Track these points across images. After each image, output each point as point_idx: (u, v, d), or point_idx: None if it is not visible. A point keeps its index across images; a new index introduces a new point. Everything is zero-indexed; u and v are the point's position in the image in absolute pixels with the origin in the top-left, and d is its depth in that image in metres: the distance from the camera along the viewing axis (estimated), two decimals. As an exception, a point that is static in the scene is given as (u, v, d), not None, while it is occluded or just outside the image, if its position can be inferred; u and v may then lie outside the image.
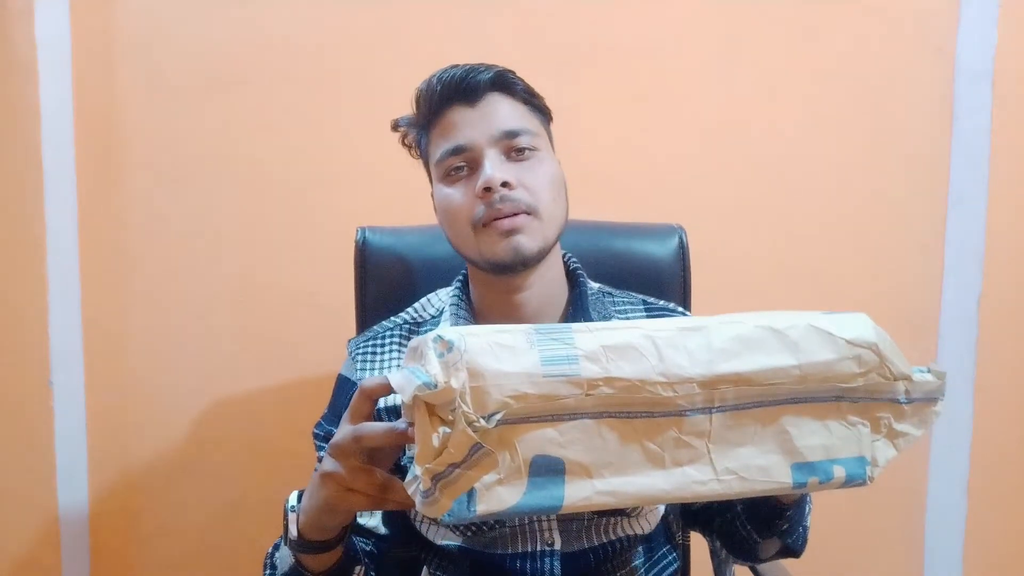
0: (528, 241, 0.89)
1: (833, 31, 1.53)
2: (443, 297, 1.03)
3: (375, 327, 1.03)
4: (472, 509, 0.59)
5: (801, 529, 0.90)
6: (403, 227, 1.22)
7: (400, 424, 0.66)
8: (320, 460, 0.97)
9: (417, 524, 0.97)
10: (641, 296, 1.05)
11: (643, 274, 1.18)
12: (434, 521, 0.94)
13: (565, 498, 0.61)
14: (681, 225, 1.22)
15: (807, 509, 0.91)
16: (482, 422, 0.58)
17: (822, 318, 0.68)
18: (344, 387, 1.00)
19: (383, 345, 1.00)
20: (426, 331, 0.99)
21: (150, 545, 1.55)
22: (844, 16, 1.53)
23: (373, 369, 0.98)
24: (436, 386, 0.58)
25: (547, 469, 0.60)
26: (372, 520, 0.95)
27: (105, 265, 1.50)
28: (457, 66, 0.92)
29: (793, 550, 0.92)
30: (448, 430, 0.58)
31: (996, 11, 1.52)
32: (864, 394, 0.67)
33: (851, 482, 0.68)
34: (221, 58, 1.48)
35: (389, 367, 0.98)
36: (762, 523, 0.88)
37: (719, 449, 0.64)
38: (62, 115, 1.45)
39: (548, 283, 0.96)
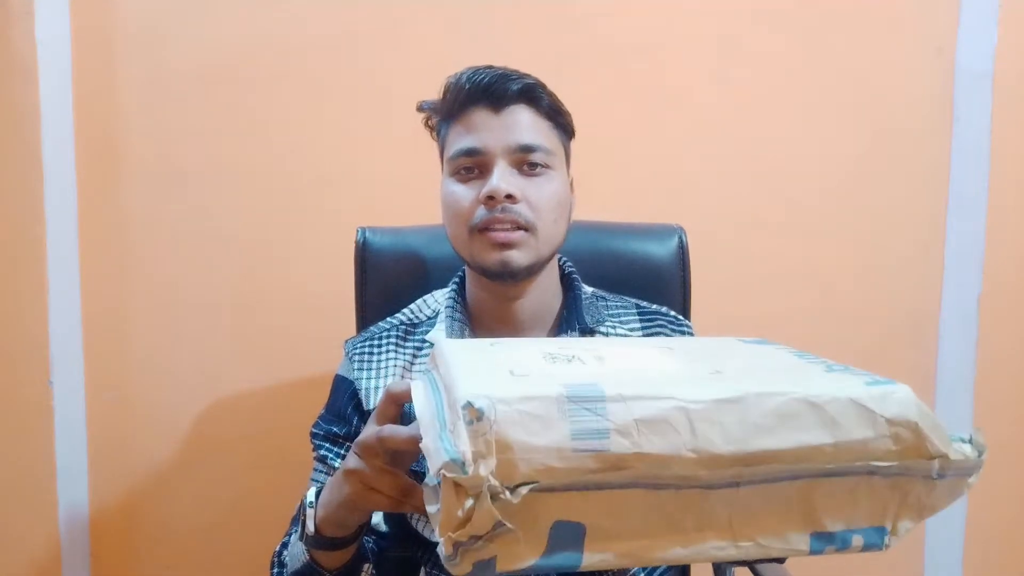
0: (519, 257, 0.90)
1: (833, 31, 1.53)
2: (439, 298, 1.04)
3: (372, 328, 1.04)
4: (491, 568, 0.60)
5: None
6: (403, 227, 1.22)
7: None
8: (317, 459, 0.98)
9: (414, 523, 0.98)
10: (634, 300, 1.05)
11: (643, 274, 1.18)
12: (430, 521, 0.95)
13: (584, 560, 0.61)
14: (681, 225, 1.22)
15: None
16: (507, 495, 0.57)
17: (863, 390, 0.65)
18: (341, 387, 1.00)
19: (379, 346, 1.00)
20: (423, 332, 0.99)
21: (150, 545, 1.55)
22: (844, 16, 1.53)
23: (370, 369, 0.98)
24: (464, 465, 0.57)
25: (567, 533, 0.60)
26: (375, 517, 0.95)
27: (105, 265, 1.50)
28: (491, 68, 0.93)
29: (779, 558, 0.93)
30: (473, 502, 0.57)
31: (996, 11, 1.52)
32: (898, 471, 0.65)
33: (867, 549, 0.67)
34: (221, 58, 1.48)
35: (385, 367, 0.98)
36: None
37: (741, 519, 0.63)
38: (62, 115, 1.45)
39: (543, 291, 0.98)
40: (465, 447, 0.58)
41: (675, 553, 0.62)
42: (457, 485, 0.58)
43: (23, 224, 1.44)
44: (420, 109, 0.99)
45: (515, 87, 0.92)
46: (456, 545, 0.59)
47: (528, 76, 0.94)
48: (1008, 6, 1.52)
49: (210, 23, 1.47)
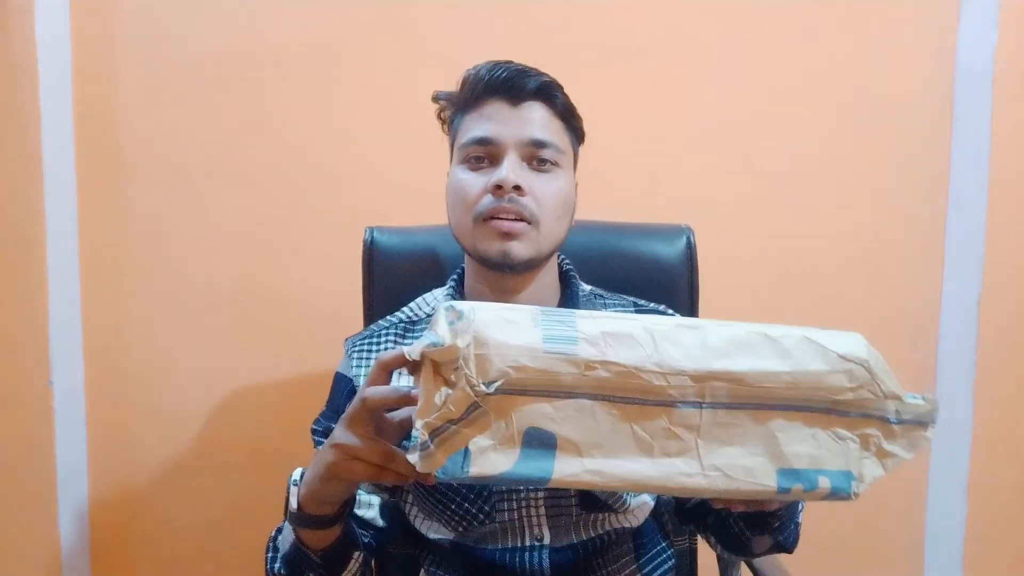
0: (521, 249, 0.91)
1: (834, 31, 1.53)
2: (438, 296, 1.05)
3: (372, 326, 1.05)
4: (465, 469, 0.62)
5: (793, 526, 0.92)
6: (411, 227, 1.22)
7: (402, 388, 0.69)
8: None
9: (411, 519, 0.99)
10: (632, 298, 1.06)
11: (651, 275, 1.18)
12: (427, 516, 0.96)
13: (554, 472, 0.64)
14: (689, 226, 1.22)
15: (799, 507, 0.91)
16: (482, 387, 0.62)
17: (817, 332, 0.70)
18: (341, 384, 1.01)
19: (379, 343, 1.01)
20: (421, 329, 1.01)
21: (150, 545, 1.55)
22: (844, 16, 1.53)
23: (368, 366, 0.99)
24: (443, 345, 0.62)
25: (539, 442, 0.63)
26: (370, 512, 0.96)
27: (105, 265, 1.50)
28: (510, 64, 0.94)
29: (784, 547, 0.93)
30: (450, 391, 0.62)
31: (996, 11, 1.52)
32: (854, 408, 0.69)
33: (835, 495, 0.69)
34: (221, 58, 1.48)
35: None
36: (754, 521, 0.89)
37: (707, 445, 0.66)
38: (62, 115, 1.45)
39: (541, 288, 0.99)
40: (444, 332, 0.63)
41: (643, 475, 0.65)
42: (436, 373, 0.63)
43: (23, 224, 1.44)
44: (436, 99, 1.00)
45: (533, 84, 0.93)
46: (432, 432, 0.62)
47: (546, 75, 0.95)
48: (1008, 6, 1.52)
49: (210, 23, 1.47)
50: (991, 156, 1.54)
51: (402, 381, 0.80)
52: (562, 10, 1.50)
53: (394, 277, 1.18)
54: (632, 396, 0.64)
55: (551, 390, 0.63)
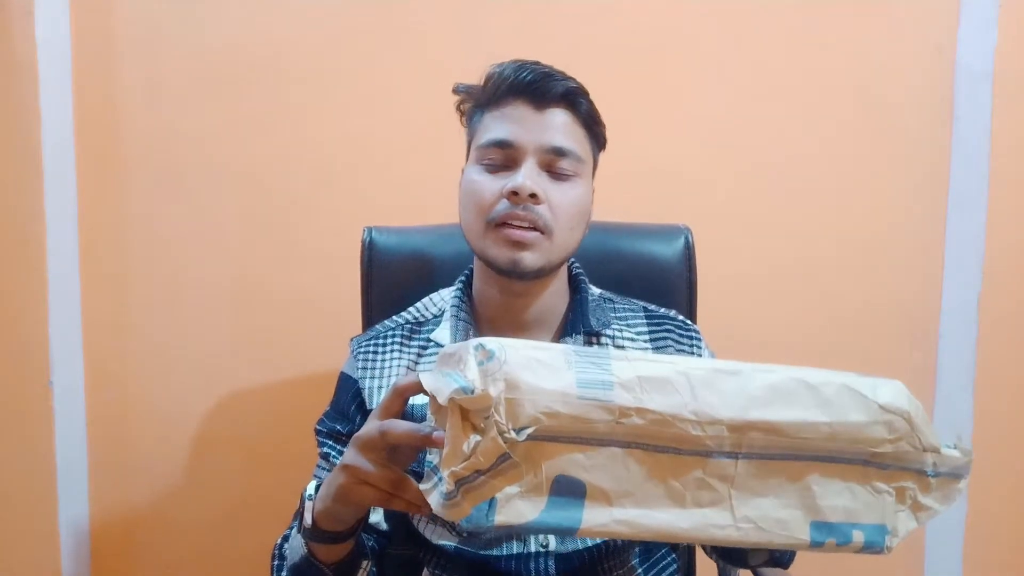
0: (532, 259, 0.90)
1: (834, 31, 1.53)
2: (445, 297, 1.04)
3: (377, 326, 1.04)
4: (491, 518, 0.60)
5: None
6: (410, 227, 1.22)
7: (424, 427, 0.66)
8: (321, 456, 0.98)
9: (415, 523, 0.98)
10: (643, 303, 1.05)
11: (649, 275, 1.18)
12: (432, 520, 0.95)
13: (583, 521, 0.61)
14: (687, 226, 1.22)
15: None
16: (513, 434, 0.58)
17: (857, 380, 0.67)
18: (346, 384, 1.00)
19: (384, 345, 1.00)
20: (428, 331, 1.00)
21: (150, 546, 1.55)
22: (844, 16, 1.53)
23: (373, 368, 0.98)
24: (473, 391, 0.58)
25: (568, 490, 0.61)
26: (374, 516, 0.95)
27: (105, 265, 1.50)
28: (537, 66, 0.92)
29: (781, 563, 0.93)
30: (479, 438, 0.59)
31: (996, 11, 1.52)
32: (892, 461, 0.67)
33: (868, 549, 0.68)
34: (221, 58, 1.48)
35: (390, 367, 0.98)
36: None
37: (741, 496, 0.64)
38: (62, 115, 1.45)
39: (551, 294, 0.97)
40: (474, 376, 0.59)
41: (675, 526, 0.63)
42: (464, 419, 0.59)
43: (23, 224, 1.44)
44: (456, 91, 0.97)
45: (559, 88, 0.91)
46: (459, 481, 0.59)
47: (572, 79, 0.93)
48: (1008, 6, 1.52)
49: (210, 23, 1.47)
50: (991, 156, 1.54)
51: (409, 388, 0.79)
52: (559, 10, 1.49)
53: (393, 277, 1.17)
54: (666, 445, 0.62)
55: (583, 437, 0.60)
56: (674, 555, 1.05)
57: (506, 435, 0.58)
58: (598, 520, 0.61)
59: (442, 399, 0.60)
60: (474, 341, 0.62)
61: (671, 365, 0.64)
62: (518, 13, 1.49)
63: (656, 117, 1.52)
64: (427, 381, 0.64)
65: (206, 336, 1.51)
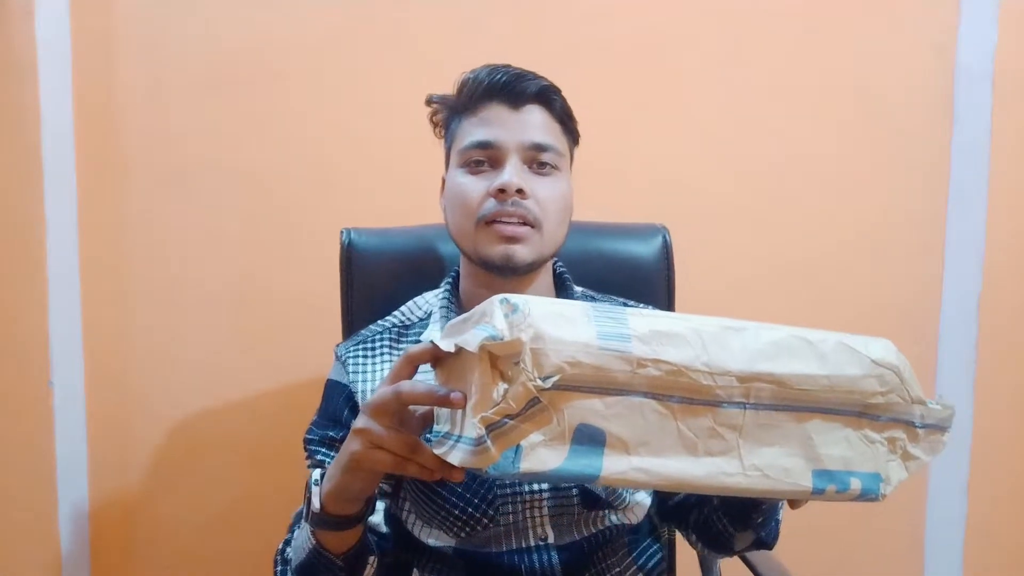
0: (524, 252, 0.92)
1: (833, 31, 1.53)
2: (431, 299, 1.04)
3: (362, 331, 1.04)
4: (516, 465, 0.61)
5: (774, 523, 0.93)
6: (389, 228, 1.22)
7: (440, 388, 0.68)
8: (313, 465, 0.97)
9: (408, 525, 0.98)
10: (622, 300, 1.07)
11: (627, 274, 1.19)
12: (427, 523, 0.95)
13: (603, 469, 0.63)
14: (664, 225, 1.23)
15: (780, 505, 0.92)
16: (539, 381, 0.61)
17: (851, 337, 0.72)
18: (335, 391, 0.99)
19: (373, 349, 1.00)
20: (415, 334, 1.00)
21: (150, 545, 1.55)
22: (844, 16, 1.53)
23: (364, 372, 0.98)
24: (503, 338, 0.61)
25: (589, 438, 0.63)
26: (375, 517, 0.95)
27: (105, 265, 1.50)
28: (509, 68, 0.95)
29: (766, 543, 0.94)
30: (507, 385, 0.61)
31: (996, 11, 1.52)
32: (884, 412, 0.72)
33: (865, 496, 0.72)
34: (221, 58, 1.48)
35: (380, 370, 0.98)
36: (737, 516, 0.91)
37: (748, 445, 0.67)
38: (62, 115, 1.45)
39: (538, 291, 0.99)
40: (503, 326, 0.62)
41: (689, 474, 0.66)
42: (494, 367, 0.62)
43: (23, 224, 1.44)
44: (430, 102, 1.00)
45: (533, 87, 0.94)
46: (489, 427, 0.61)
47: (544, 78, 0.96)
48: (1008, 6, 1.52)
49: (210, 23, 1.47)
50: (991, 156, 1.54)
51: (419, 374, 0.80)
52: (553, 12, 1.50)
53: (372, 278, 1.17)
54: (680, 395, 0.65)
55: (603, 387, 0.63)
56: (658, 544, 1.07)
57: (533, 382, 0.60)
58: (617, 468, 0.63)
59: (472, 347, 0.62)
60: (498, 296, 0.64)
61: (684, 321, 0.67)
62: (515, 15, 1.49)
63: (656, 117, 1.53)
64: (444, 343, 0.67)
65: (206, 336, 1.51)
